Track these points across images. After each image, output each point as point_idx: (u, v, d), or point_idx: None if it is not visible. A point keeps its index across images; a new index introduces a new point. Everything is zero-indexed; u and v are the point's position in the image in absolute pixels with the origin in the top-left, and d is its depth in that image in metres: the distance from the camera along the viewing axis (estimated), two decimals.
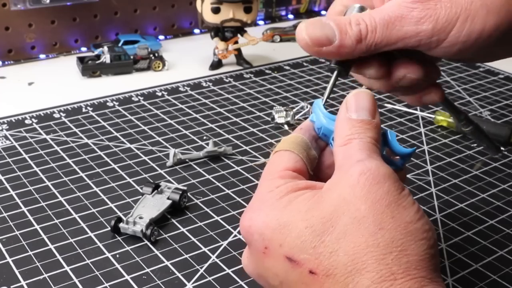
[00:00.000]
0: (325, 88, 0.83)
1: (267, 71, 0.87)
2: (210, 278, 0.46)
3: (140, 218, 0.50)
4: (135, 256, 0.48)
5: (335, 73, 0.39)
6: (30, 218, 0.52)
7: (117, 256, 0.48)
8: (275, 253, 0.33)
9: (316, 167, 0.38)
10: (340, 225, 0.31)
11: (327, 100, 0.38)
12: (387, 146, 0.37)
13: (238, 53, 0.89)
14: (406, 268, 0.30)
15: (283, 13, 1.14)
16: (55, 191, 0.56)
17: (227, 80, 0.83)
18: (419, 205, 0.33)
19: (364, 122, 0.35)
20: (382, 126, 0.69)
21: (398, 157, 0.37)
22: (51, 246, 0.48)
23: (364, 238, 0.31)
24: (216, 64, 0.88)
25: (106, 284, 0.45)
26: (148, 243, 0.49)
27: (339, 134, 0.35)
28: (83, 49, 0.94)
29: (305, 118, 0.51)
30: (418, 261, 0.31)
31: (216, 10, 0.83)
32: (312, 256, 0.31)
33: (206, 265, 0.47)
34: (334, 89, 0.79)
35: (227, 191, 0.57)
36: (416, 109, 0.75)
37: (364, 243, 0.31)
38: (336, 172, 0.34)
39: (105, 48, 0.84)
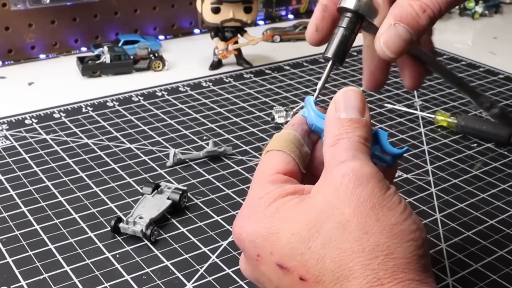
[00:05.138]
0: (325, 87, 0.83)
1: (267, 71, 0.87)
2: (210, 278, 0.46)
3: (140, 218, 0.50)
4: (135, 256, 0.48)
5: (330, 63, 0.38)
6: (30, 218, 0.52)
7: (117, 256, 0.48)
8: (267, 260, 0.33)
9: (309, 163, 0.37)
10: (325, 230, 0.31)
11: (319, 95, 0.38)
12: (378, 145, 0.36)
13: (238, 53, 0.88)
14: (393, 272, 0.30)
15: (283, 13, 1.14)
16: (55, 191, 0.56)
17: (227, 80, 0.83)
18: (406, 204, 0.32)
19: (352, 121, 0.34)
20: (381, 126, 0.69)
21: (389, 155, 0.37)
22: (51, 246, 0.48)
23: (349, 243, 0.30)
24: (216, 64, 0.88)
25: (106, 284, 0.45)
26: (148, 243, 0.49)
27: (328, 134, 0.35)
28: (83, 49, 0.94)
29: None
30: (405, 263, 0.30)
31: (216, 10, 0.83)
32: (300, 263, 0.31)
33: (206, 265, 0.47)
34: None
35: (227, 191, 0.57)
36: (416, 109, 0.75)
37: (349, 249, 0.30)
38: (322, 174, 0.34)
39: (105, 48, 0.84)
